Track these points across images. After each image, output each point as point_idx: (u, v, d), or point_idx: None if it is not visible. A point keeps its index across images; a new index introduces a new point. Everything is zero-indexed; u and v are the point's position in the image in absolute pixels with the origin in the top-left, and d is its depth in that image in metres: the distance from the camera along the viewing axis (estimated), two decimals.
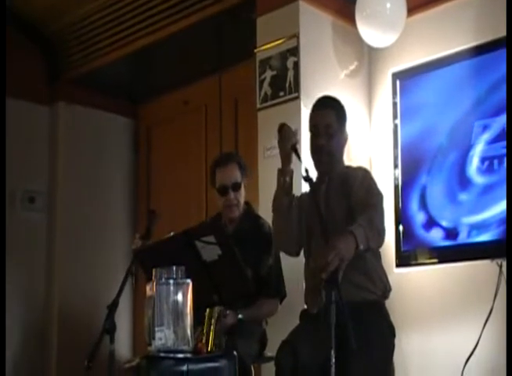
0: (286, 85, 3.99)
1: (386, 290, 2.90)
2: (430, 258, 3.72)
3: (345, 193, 2.92)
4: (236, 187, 3.47)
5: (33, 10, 5.02)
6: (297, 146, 2.96)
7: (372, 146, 4.13)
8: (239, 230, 3.43)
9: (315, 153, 3.04)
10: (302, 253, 3.11)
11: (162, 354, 2.56)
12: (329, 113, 3.05)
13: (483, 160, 3.64)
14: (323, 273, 2.44)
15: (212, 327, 2.83)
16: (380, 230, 2.72)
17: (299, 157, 2.92)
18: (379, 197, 2.89)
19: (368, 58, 4.35)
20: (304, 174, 2.75)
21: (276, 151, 3.93)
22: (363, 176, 3.00)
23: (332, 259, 2.45)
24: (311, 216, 2.95)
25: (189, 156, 5.30)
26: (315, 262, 2.71)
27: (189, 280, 2.65)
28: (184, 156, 5.35)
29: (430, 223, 3.72)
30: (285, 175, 2.96)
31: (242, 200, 3.51)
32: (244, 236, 3.33)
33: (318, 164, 3.04)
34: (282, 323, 3.38)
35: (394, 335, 2.84)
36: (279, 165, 3.56)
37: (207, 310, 2.89)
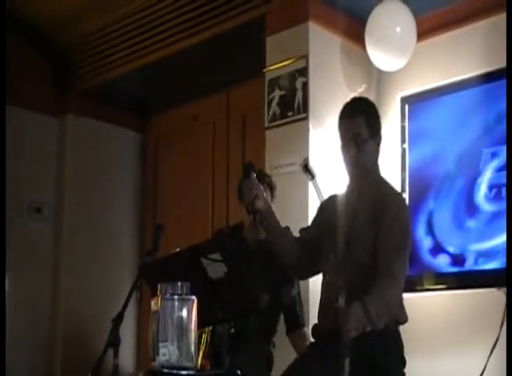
0: (294, 105, 4.00)
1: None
2: (437, 284, 3.71)
3: (376, 220, 2.77)
4: None
5: (44, 21, 5.04)
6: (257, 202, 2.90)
7: (380, 168, 4.13)
8: (261, 251, 3.39)
9: (346, 166, 2.90)
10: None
11: (165, 370, 2.54)
12: (358, 119, 2.87)
13: (491, 187, 3.65)
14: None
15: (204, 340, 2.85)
16: (391, 306, 2.68)
17: (254, 220, 2.88)
18: (407, 240, 2.80)
19: (377, 81, 4.36)
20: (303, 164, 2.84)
21: (284, 169, 3.98)
22: (400, 208, 2.84)
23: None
24: (333, 230, 2.83)
25: (197, 171, 5.31)
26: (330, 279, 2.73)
27: (194, 297, 2.64)
28: (191, 171, 5.36)
29: (437, 249, 3.72)
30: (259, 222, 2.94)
31: None
32: (265, 259, 3.31)
33: (350, 177, 2.92)
34: (289, 346, 3.38)
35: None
36: (287, 183, 3.58)
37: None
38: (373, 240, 2.71)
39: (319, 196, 2.82)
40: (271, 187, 3.48)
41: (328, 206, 2.97)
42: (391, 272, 2.65)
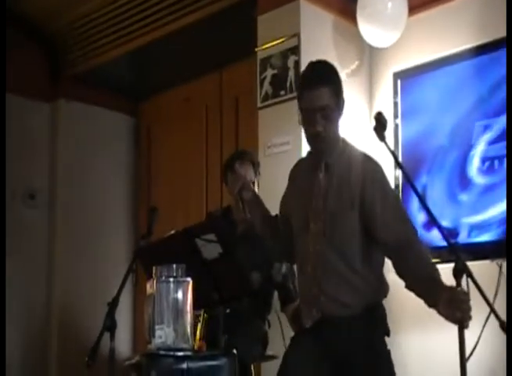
0: (286, 84, 3.98)
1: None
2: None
3: (358, 199, 2.56)
4: None
5: (34, 8, 5.01)
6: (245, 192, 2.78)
7: (372, 145, 4.12)
8: (250, 232, 3.40)
9: (310, 141, 2.64)
10: None
11: (162, 352, 2.57)
12: (325, 90, 2.56)
13: (484, 160, 3.65)
14: None
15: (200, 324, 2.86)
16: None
17: (243, 207, 2.78)
18: (398, 204, 2.71)
19: (369, 57, 4.35)
20: None
21: (277, 149, 3.97)
22: (376, 178, 2.63)
23: None
24: (301, 212, 2.66)
25: (190, 153, 5.31)
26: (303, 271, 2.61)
27: (189, 279, 2.65)
28: (184, 153, 5.35)
29: (431, 223, 3.72)
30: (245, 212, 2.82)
31: None
32: (254, 239, 3.31)
33: (314, 152, 2.68)
34: (284, 324, 3.39)
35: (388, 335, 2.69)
36: (280, 163, 3.55)
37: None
38: (356, 222, 2.54)
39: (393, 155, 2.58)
40: (253, 164, 3.47)
41: (296, 178, 2.79)
42: (405, 240, 2.54)
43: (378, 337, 2.61)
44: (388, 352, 2.61)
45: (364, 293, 2.59)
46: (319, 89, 2.55)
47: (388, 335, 2.65)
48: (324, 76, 2.62)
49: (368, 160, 2.70)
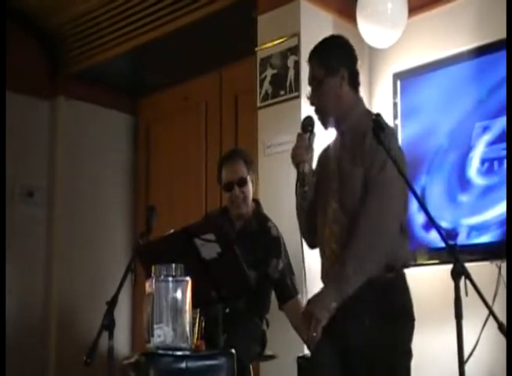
0: (286, 84, 3.99)
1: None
2: (430, 259, 3.72)
3: (358, 156, 2.54)
4: (242, 182, 3.45)
5: (34, 5, 5.00)
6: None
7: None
8: (246, 230, 3.42)
9: (316, 114, 2.72)
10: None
11: (161, 351, 2.57)
12: (311, 63, 2.72)
13: (483, 161, 3.65)
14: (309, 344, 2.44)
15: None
16: (368, 261, 2.43)
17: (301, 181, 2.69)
18: (388, 173, 2.49)
19: (369, 58, 4.35)
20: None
21: (276, 149, 3.97)
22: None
23: (314, 329, 2.39)
24: (322, 183, 2.67)
25: (189, 152, 5.31)
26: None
27: (188, 278, 2.65)
28: (184, 152, 5.36)
29: (430, 224, 3.72)
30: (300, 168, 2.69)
31: (250, 196, 3.47)
32: (250, 237, 3.33)
33: (324, 126, 2.73)
34: (282, 323, 3.39)
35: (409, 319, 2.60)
36: (280, 163, 3.55)
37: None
38: (363, 180, 2.52)
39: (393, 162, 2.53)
40: (246, 162, 3.49)
41: (320, 160, 2.82)
42: (368, 212, 2.46)
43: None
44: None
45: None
46: (309, 64, 2.71)
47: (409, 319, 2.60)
48: (312, 52, 2.75)
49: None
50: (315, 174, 2.72)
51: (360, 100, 2.75)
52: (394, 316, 2.54)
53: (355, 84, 2.73)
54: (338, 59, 2.69)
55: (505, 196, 3.46)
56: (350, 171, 2.57)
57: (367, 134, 2.53)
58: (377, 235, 2.45)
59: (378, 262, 2.47)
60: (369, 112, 2.73)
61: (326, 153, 2.78)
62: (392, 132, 2.65)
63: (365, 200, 2.49)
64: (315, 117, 2.73)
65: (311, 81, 2.70)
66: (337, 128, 2.70)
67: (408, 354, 2.55)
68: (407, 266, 2.65)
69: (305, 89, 3.86)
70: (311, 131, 2.69)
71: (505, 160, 3.54)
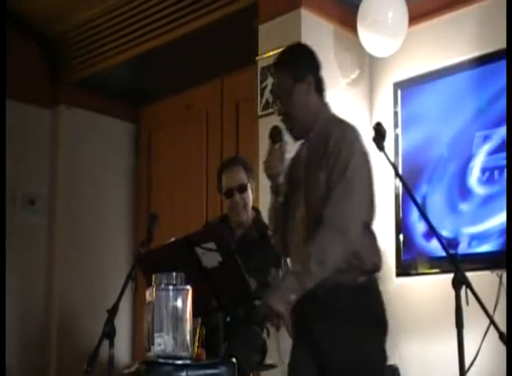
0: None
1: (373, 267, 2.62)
2: (431, 268, 3.73)
3: (322, 159, 2.56)
4: (242, 189, 3.46)
5: (36, 12, 5.02)
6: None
7: (372, 154, 4.13)
8: (246, 238, 3.42)
9: (284, 123, 2.71)
10: None
11: (161, 360, 2.55)
12: (280, 73, 2.71)
13: (484, 170, 3.66)
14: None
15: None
16: (326, 260, 2.42)
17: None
18: (352, 178, 2.50)
19: (369, 67, 4.36)
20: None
21: None
22: (340, 139, 2.55)
23: (278, 324, 2.43)
24: (291, 194, 2.68)
25: (190, 160, 5.31)
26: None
27: (188, 287, 2.64)
28: (185, 160, 5.36)
29: (431, 233, 3.73)
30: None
31: (250, 203, 3.48)
32: (250, 246, 3.32)
33: (293, 134, 2.71)
34: (282, 332, 3.39)
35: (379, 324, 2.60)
36: None
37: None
38: (326, 183, 2.53)
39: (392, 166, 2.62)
40: (246, 168, 3.50)
41: (289, 168, 2.80)
42: (328, 212, 2.47)
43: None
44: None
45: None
46: (276, 74, 2.71)
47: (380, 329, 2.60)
48: (279, 61, 2.73)
49: (340, 123, 2.71)
50: (286, 182, 2.73)
51: (326, 105, 2.75)
52: (365, 320, 2.53)
53: (320, 90, 2.74)
54: (304, 67, 2.70)
55: (506, 205, 3.47)
56: (315, 176, 2.58)
57: (331, 138, 2.56)
58: (338, 232, 2.45)
59: (339, 257, 2.46)
60: (335, 117, 2.74)
61: (294, 160, 2.77)
62: (355, 138, 2.63)
63: (327, 201, 2.50)
64: (283, 127, 2.71)
65: (280, 91, 2.68)
66: (306, 135, 2.70)
67: (378, 358, 2.56)
68: (378, 270, 2.64)
69: None
70: (281, 141, 2.68)
71: (505, 170, 3.55)
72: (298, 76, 2.66)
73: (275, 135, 2.69)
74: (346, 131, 2.63)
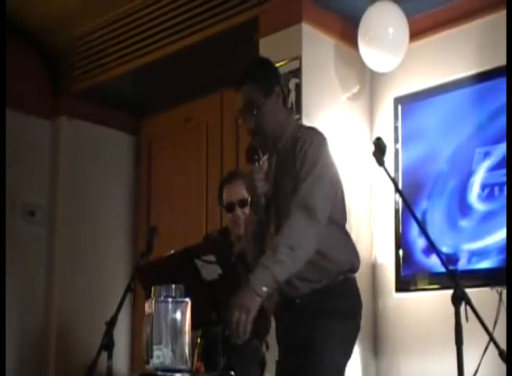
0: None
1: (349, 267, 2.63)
2: (430, 284, 3.73)
3: (290, 169, 2.58)
4: (243, 204, 3.45)
5: (38, 23, 5.03)
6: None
7: (373, 169, 4.15)
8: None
9: (252, 139, 2.72)
10: None
11: (160, 372, 2.54)
12: (247, 86, 2.66)
13: (483, 187, 3.67)
14: (238, 339, 2.43)
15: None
16: (300, 247, 2.40)
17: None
18: (312, 177, 2.50)
19: (370, 82, 4.37)
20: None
21: None
22: (307, 145, 2.56)
23: (238, 320, 2.40)
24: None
25: (190, 172, 5.31)
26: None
27: (187, 299, 2.64)
28: (185, 172, 5.36)
29: (430, 249, 3.73)
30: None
31: None
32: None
33: (262, 149, 2.71)
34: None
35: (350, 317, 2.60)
36: None
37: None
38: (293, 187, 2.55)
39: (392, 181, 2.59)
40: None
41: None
42: (292, 211, 2.46)
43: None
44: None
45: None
46: (241, 88, 2.66)
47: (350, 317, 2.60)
48: (244, 73, 2.72)
49: (306, 130, 2.71)
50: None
51: (291, 114, 2.81)
52: (334, 318, 2.54)
53: (285, 99, 2.79)
54: (271, 80, 2.70)
55: (505, 222, 3.47)
56: (285, 184, 2.60)
57: (298, 145, 2.57)
58: (306, 216, 2.44)
59: (309, 241, 2.45)
60: (301, 125, 2.79)
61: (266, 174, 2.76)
62: (321, 142, 2.62)
63: (294, 194, 2.51)
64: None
65: (249, 107, 2.63)
66: (275, 147, 2.69)
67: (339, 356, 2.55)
68: (355, 270, 2.65)
69: (307, 112, 3.92)
70: (260, 159, 2.67)
71: (505, 186, 3.55)
72: (267, 90, 2.65)
73: (253, 155, 2.67)
74: (312, 137, 2.62)
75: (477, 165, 3.72)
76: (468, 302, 2.25)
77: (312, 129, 2.72)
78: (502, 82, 3.65)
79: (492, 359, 2.43)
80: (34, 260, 5.15)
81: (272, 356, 3.38)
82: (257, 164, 2.66)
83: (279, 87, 2.70)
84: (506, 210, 3.45)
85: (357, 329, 2.64)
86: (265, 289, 2.38)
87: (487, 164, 3.68)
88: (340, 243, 2.65)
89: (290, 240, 2.42)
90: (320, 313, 2.54)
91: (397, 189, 2.53)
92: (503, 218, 3.49)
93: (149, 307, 2.62)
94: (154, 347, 2.56)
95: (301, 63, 3.99)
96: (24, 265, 5.06)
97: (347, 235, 2.69)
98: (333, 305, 2.56)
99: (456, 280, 2.27)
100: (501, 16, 3.78)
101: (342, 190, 2.68)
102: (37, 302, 5.13)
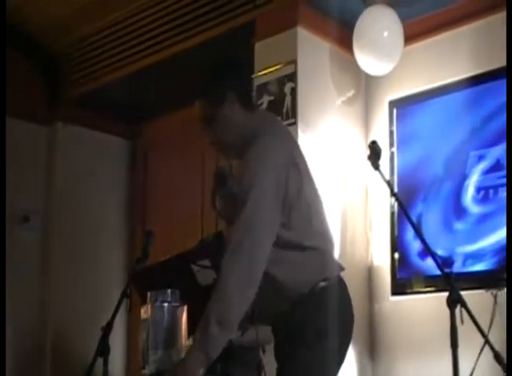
0: (283, 111, 4.00)
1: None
2: (426, 287, 3.73)
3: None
4: None
5: (33, 29, 5.03)
6: None
7: (368, 173, 4.15)
8: None
9: (219, 151, 2.67)
10: None
11: None
12: (201, 104, 2.60)
13: (478, 189, 3.67)
14: None
15: None
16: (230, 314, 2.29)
17: None
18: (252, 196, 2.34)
19: (365, 86, 4.38)
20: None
21: None
22: (249, 153, 2.40)
23: None
24: None
25: (187, 178, 5.30)
26: None
27: (183, 304, 2.65)
28: (181, 178, 5.35)
29: (426, 252, 3.74)
30: None
31: None
32: None
33: (228, 158, 2.70)
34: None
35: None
36: None
37: None
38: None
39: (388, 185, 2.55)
40: None
41: None
42: (225, 269, 2.36)
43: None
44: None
45: None
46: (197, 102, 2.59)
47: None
48: (198, 88, 2.64)
49: (260, 130, 2.52)
50: None
51: (253, 119, 2.57)
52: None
53: (246, 102, 2.60)
54: (224, 87, 2.55)
55: (501, 224, 3.48)
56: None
57: (246, 157, 2.43)
58: (238, 285, 2.32)
59: (242, 309, 2.33)
60: (259, 127, 2.55)
61: None
62: (259, 156, 2.43)
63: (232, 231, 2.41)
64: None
65: (204, 121, 2.59)
66: (240, 155, 2.53)
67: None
68: (329, 279, 2.50)
69: (302, 116, 3.93)
70: (226, 183, 2.64)
71: (500, 189, 3.56)
72: (218, 101, 2.54)
73: (220, 181, 2.63)
74: (258, 144, 2.43)
75: (471, 168, 3.72)
76: (463, 305, 2.25)
77: (266, 127, 2.54)
78: (496, 85, 3.67)
79: (487, 361, 2.44)
80: (28, 266, 5.13)
81: (269, 361, 3.39)
82: (226, 187, 2.62)
83: (235, 91, 2.54)
84: (506, 210, 3.44)
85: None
86: (201, 371, 2.30)
87: (481, 166, 3.69)
88: (294, 264, 2.48)
89: (220, 314, 2.30)
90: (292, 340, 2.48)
91: (392, 193, 2.53)
92: (498, 221, 3.50)
93: (145, 312, 2.63)
94: (150, 352, 2.57)
95: (296, 67, 3.99)
96: (18, 271, 5.04)
97: (308, 249, 2.48)
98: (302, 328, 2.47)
99: (451, 282, 2.27)
100: (495, 19, 3.80)
101: (305, 197, 2.49)
102: (32, 308, 5.11)
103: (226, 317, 2.30)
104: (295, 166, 2.48)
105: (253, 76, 4.17)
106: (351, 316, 2.57)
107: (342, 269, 2.61)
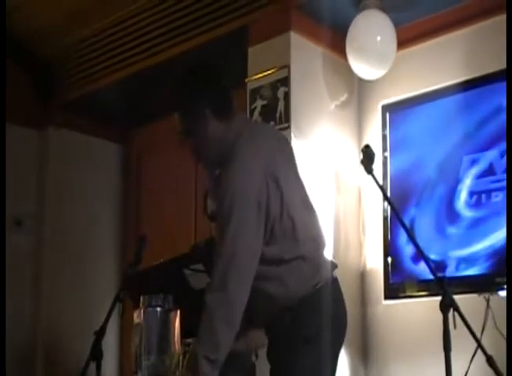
0: (276, 115, 4.00)
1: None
2: (419, 291, 3.73)
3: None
4: None
5: (25, 33, 5.02)
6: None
7: (361, 177, 4.16)
8: None
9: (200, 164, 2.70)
10: None
11: None
12: (178, 118, 2.66)
13: (471, 194, 3.67)
14: None
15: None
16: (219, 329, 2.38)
17: None
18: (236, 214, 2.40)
19: (358, 90, 4.39)
20: None
21: None
22: (228, 168, 2.45)
23: None
24: None
25: (180, 183, 5.30)
26: None
27: (177, 308, 2.64)
28: (174, 183, 5.35)
29: (419, 256, 3.74)
30: None
31: None
32: None
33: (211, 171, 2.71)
34: None
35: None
36: None
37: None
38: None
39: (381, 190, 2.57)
40: None
41: None
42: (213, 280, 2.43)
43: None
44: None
45: None
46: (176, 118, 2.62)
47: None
48: (176, 99, 2.68)
49: (238, 143, 2.53)
50: None
51: (231, 131, 2.57)
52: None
53: (223, 114, 2.60)
54: (197, 100, 2.56)
55: (493, 229, 3.49)
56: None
57: (225, 170, 2.47)
58: (224, 319, 2.39)
59: (230, 342, 2.42)
60: (238, 136, 2.56)
61: None
62: (238, 172, 2.45)
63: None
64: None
65: (182, 134, 2.63)
66: (220, 164, 2.58)
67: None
68: (316, 285, 2.53)
69: (295, 120, 3.93)
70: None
71: (493, 193, 3.57)
72: (191, 116, 2.57)
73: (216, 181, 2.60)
74: (235, 160, 2.45)
75: (464, 173, 3.73)
76: (456, 309, 2.26)
77: (243, 140, 2.52)
78: (489, 90, 3.67)
79: (480, 365, 2.44)
80: (20, 270, 5.10)
81: (261, 366, 3.39)
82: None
83: (208, 103, 2.55)
84: (506, 210, 3.44)
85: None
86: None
87: (474, 171, 3.69)
88: (282, 277, 2.52)
89: (208, 352, 2.38)
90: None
91: (385, 197, 2.54)
92: (491, 225, 3.50)
93: (138, 317, 2.63)
94: (143, 357, 2.57)
95: (289, 72, 3.99)
96: (11, 275, 5.01)
97: (293, 260, 2.50)
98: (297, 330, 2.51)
99: (444, 286, 2.28)
100: (488, 24, 3.81)
101: (288, 211, 2.49)
102: (25, 312, 5.09)
103: (213, 356, 2.39)
104: (275, 180, 2.47)
105: (246, 80, 4.18)
106: (345, 314, 2.60)
107: (335, 267, 2.63)
